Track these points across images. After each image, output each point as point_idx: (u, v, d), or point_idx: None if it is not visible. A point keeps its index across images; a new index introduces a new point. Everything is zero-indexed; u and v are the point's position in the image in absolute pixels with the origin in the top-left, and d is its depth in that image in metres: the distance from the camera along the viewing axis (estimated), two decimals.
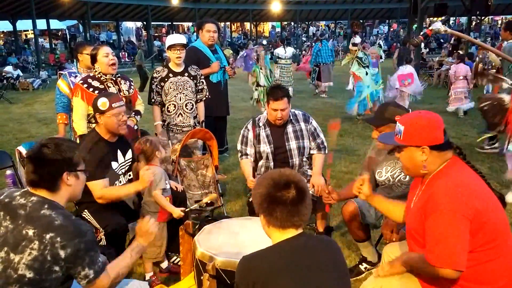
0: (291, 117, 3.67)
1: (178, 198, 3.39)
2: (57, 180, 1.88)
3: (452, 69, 9.27)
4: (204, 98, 4.53)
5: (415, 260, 1.97)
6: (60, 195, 1.90)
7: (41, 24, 25.48)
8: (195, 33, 33.13)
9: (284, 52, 11.97)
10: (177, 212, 3.08)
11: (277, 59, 12.04)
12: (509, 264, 1.89)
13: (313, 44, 13.73)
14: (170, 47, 4.18)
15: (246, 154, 3.72)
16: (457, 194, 1.82)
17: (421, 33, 4.12)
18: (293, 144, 3.63)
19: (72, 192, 1.95)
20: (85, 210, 3.05)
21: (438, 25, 3.43)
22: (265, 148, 3.65)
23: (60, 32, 36.08)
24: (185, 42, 4.25)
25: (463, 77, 8.89)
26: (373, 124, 2.88)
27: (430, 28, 3.67)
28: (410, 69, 8.96)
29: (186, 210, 3.13)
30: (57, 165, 1.87)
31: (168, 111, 4.31)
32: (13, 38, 28.79)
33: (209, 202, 3.53)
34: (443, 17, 3.80)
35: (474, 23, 31.18)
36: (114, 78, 3.83)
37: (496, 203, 1.93)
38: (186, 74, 4.33)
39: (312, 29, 38.93)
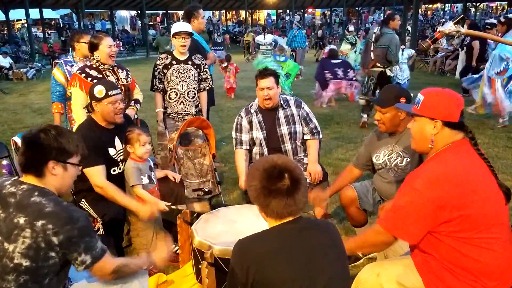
0: (282, 102, 3.66)
1: (175, 192, 3.36)
2: (42, 166, 1.85)
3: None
4: (208, 88, 4.50)
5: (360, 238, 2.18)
6: (48, 183, 1.87)
7: (34, 13, 25.19)
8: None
9: (264, 39, 13.38)
10: (161, 206, 2.96)
11: (258, 45, 13.33)
12: (502, 259, 1.87)
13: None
14: (175, 34, 4.16)
15: (241, 142, 3.69)
16: (438, 183, 1.83)
17: (429, 37, 4.09)
18: (284, 129, 3.62)
19: (59, 183, 1.91)
20: (83, 200, 3.05)
21: (448, 26, 3.18)
22: (258, 134, 3.64)
23: (53, 22, 35.72)
24: (190, 31, 4.21)
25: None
26: (378, 104, 2.87)
27: (439, 30, 3.47)
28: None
29: (172, 207, 3.01)
30: (46, 152, 1.85)
31: (170, 99, 4.30)
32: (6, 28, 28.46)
33: (207, 190, 3.50)
34: (457, 18, 3.62)
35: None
36: (111, 68, 3.82)
37: (490, 195, 1.90)
38: (190, 62, 4.30)
39: (307, 17, 38.69)
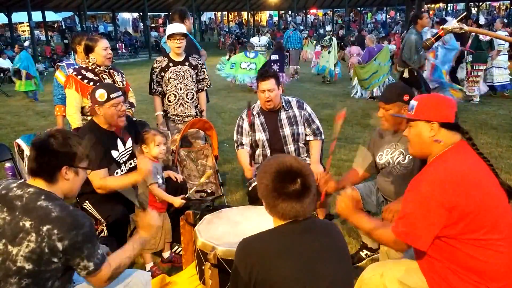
0: (284, 104, 3.66)
1: (179, 190, 3.38)
2: (55, 172, 1.87)
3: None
4: (206, 88, 4.50)
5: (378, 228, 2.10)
6: (57, 188, 1.88)
7: (37, 16, 25.27)
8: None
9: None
10: (178, 201, 3.06)
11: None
12: (507, 260, 1.86)
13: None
14: (170, 36, 4.15)
15: (242, 144, 3.71)
16: (442, 186, 1.83)
17: (432, 34, 4.15)
18: (287, 131, 3.62)
19: (69, 187, 1.93)
20: (86, 201, 3.05)
21: (452, 23, 3.23)
22: (261, 136, 3.65)
23: (56, 24, 35.80)
24: (185, 32, 4.21)
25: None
26: (382, 100, 2.86)
27: (442, 27, 3.51)
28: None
29: (186, 196, 3.11)
30: (59, 157, 1.86)
31: (169, 101, 4.30)
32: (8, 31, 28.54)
33: (207, 181, 3.53)
34: (461, 15, 3.66)
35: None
36: (107, 70, 3.82)
37: (494, 194, 1.90)
38: (186, 63, 4.30)
39: (310, 18, 38.72)
